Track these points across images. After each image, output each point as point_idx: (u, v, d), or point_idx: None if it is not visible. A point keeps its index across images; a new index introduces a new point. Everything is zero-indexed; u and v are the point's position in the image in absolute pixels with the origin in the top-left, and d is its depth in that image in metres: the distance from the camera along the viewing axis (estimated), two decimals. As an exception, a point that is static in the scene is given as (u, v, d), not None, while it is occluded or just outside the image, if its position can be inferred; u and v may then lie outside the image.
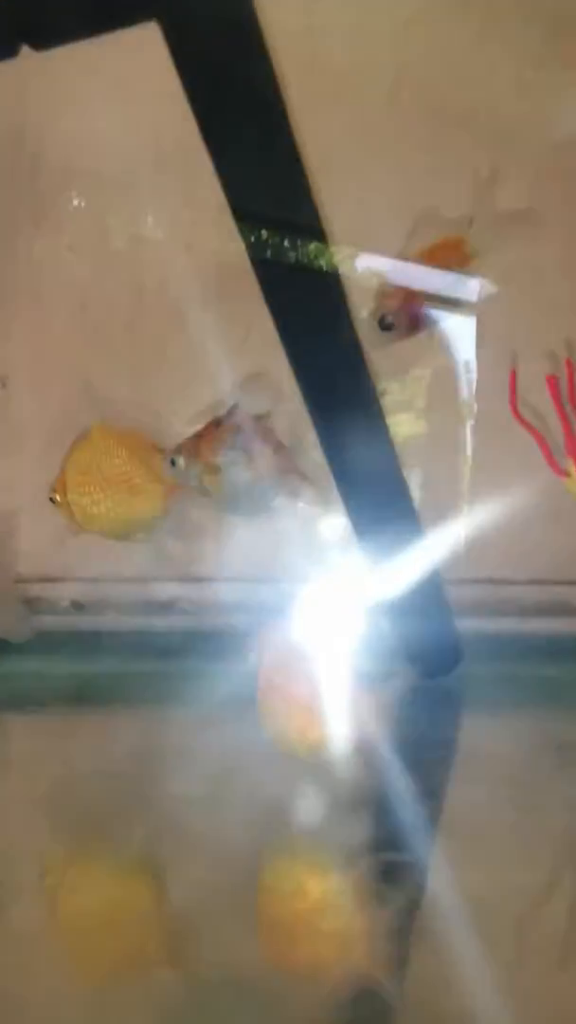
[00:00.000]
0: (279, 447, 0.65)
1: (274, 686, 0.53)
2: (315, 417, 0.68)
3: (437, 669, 0.80)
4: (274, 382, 0.69)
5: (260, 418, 0.66)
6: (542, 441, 0.61)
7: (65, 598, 0.96)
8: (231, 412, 0.65)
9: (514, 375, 0.64)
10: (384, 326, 0.68)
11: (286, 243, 0.60)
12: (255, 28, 0.55)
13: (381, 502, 0.73)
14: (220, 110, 0.57)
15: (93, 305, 0.86)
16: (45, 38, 0.57)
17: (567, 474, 0.62)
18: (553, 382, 0.61)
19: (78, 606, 0.98)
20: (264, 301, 0.63)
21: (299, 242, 0.60)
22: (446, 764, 0.63)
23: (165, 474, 0.67)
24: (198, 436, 0.66)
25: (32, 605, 0.96)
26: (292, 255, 0.60)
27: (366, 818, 0.52)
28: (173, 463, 0.67)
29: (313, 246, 0.61)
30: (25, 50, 0.60)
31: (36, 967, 0.41)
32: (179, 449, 0.66)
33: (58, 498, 0.72)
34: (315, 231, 0.61)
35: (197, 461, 0.66)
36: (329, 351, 0.65)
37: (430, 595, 0.79)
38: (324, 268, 0.61)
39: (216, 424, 0.66)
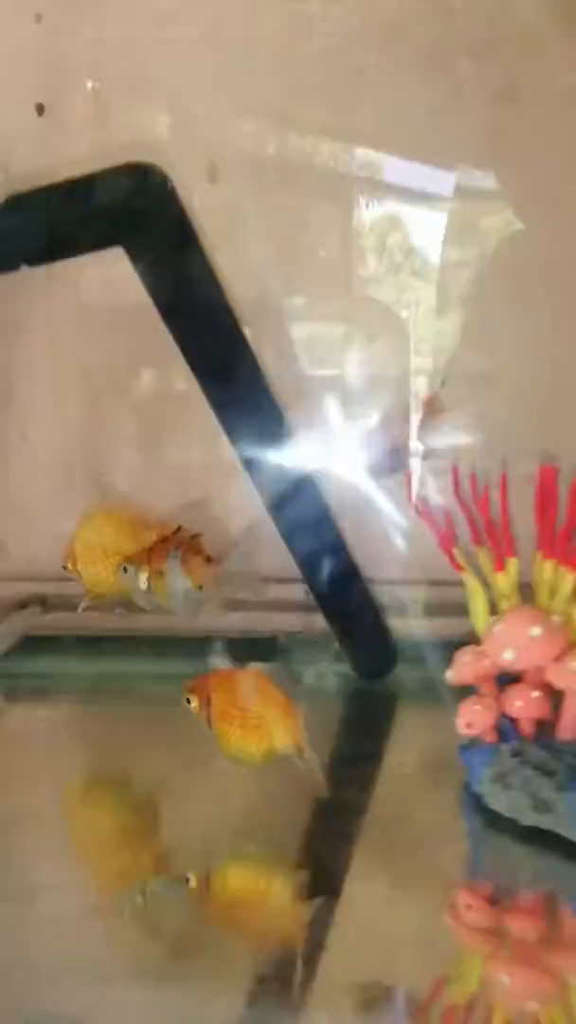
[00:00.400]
0: (210, 560, 0.80)
1: (224, 712, 0.67)
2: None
3: (374, 671, 0.96)
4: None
5: (195, 537, 0.81)
6: (441, 533, 0.74)
7: (81, 596, 1.15)
8: (176, 532, 0.81)
9: (409, 477, 0.79)
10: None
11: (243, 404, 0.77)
12: (198, 247, 0.72)
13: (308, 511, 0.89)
14: (179, 311, 0.73)
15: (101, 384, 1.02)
16: (38, 260, 0.72)
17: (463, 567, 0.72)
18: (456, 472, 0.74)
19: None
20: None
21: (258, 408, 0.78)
22: (377, 767, 0.78)
23: (120, 579, 0.82)
24: (149, 550, 0.81)
25: (50, 603, 1.08)
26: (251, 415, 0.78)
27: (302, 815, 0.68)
28: (125, 570, 0.82)
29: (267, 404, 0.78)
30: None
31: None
32: (131, 558, 0.82)
33: (69, 566, 0.88)
34: (262, 391, 0.78)
35: (145, 569, 0.81)
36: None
37: (362, 600, 0.93)
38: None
39: (163, 540, 0.81)
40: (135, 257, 0.73)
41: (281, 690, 0.65)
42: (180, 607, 0.81)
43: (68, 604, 1.09)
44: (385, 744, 0.85)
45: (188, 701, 0.68)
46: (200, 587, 0.80)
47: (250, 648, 0.97)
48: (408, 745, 0.82)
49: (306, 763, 0.64)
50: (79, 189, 0.74)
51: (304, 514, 0.87)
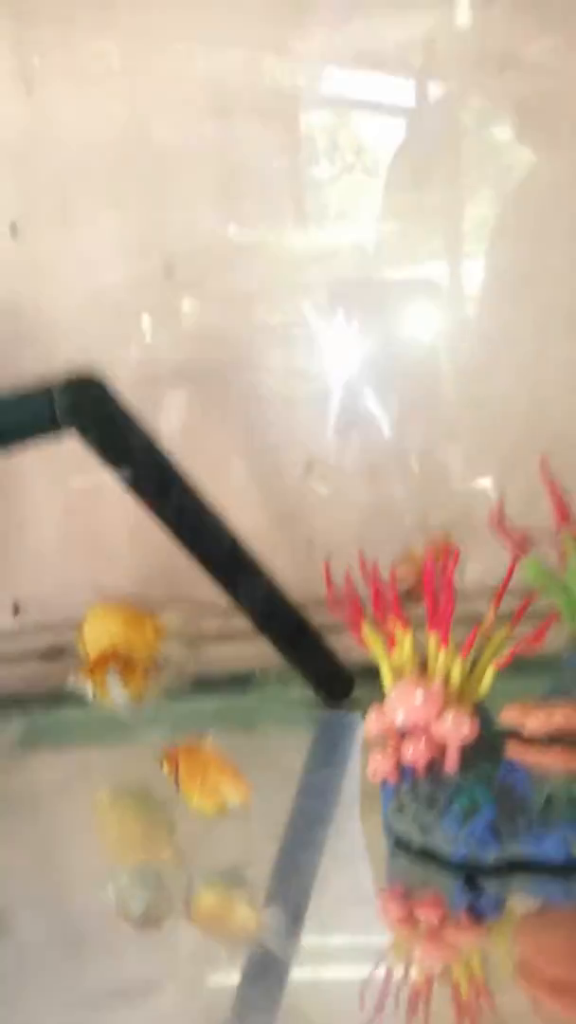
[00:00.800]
0: (146, 674, 1.00)
1: (188, 777, 0.86)
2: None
3: (333, 696, 1.14)
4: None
5: (130, 656, 1.00)
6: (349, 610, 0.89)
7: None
8: (112, 652, 1.01)
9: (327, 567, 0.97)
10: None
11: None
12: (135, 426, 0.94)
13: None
14: (127, 465, 0.95)
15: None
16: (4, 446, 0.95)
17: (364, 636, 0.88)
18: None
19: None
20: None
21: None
22: (328, 794, 0.98)
23: (70, 685, 1.02)
24: (92, 665, 1.01)
25: (63, 650, 1.25)
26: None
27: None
28: (75, 683, 1.02)
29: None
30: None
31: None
32: (78, 675, 1.01)
33: (82, 650, 1.06)
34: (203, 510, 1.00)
35: (91, 681, 1.01)
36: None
37: (300, 629, 1.10)
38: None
39: (103, 659, 1.01)
40: (87, 437, 0.96)
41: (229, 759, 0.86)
42: (124, 714, 1.01)
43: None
44: (337, 770, 1.04)
45: (163, 766, 0.89)
46: (138, 698, 1.00)
47: (231, 683, 1.19)
48: (357, 772, 1.01)
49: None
50: (36, 393, 0.96)
51: (223, 552, 1.06)
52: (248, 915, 0.81)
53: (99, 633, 1.05)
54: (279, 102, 1.23)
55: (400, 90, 1.21)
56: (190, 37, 1.22)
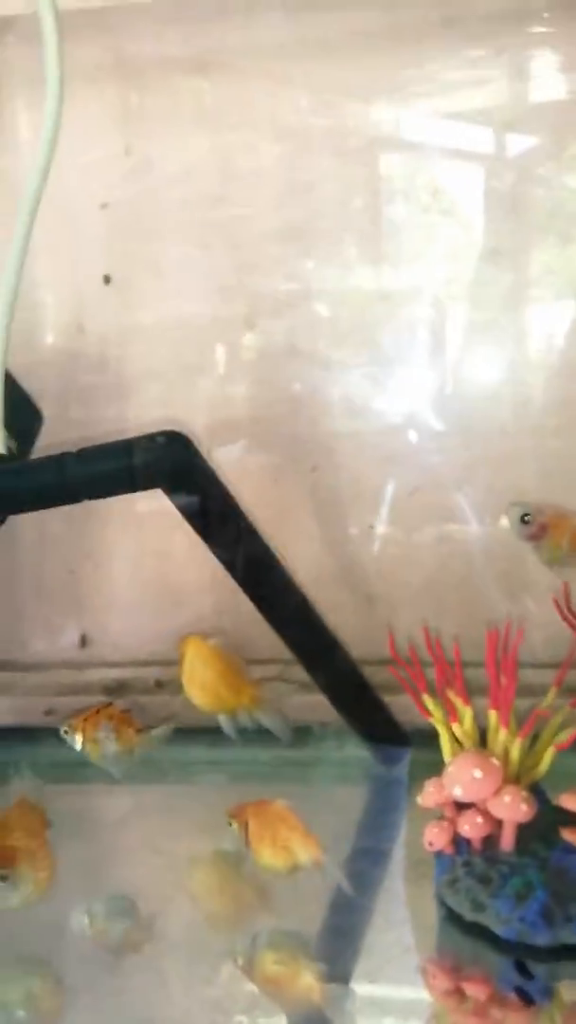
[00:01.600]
0: (137, 730, 1.02)
1: (258, 835, 0.88)
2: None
3: (388, 756, 1.15)
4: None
5: (126, 711, 1.03)
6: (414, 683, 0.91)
7: (151, 678, 1.32)
8: (107, 705, 1.03)
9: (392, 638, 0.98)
10: (524, 521, 0.95)
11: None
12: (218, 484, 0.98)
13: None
14: (207, 521, 0.98)
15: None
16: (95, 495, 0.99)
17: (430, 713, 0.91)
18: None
19: (160, 684, 1.32)
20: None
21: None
22: (380, 860, 0.98)
23: (62, 734, 1.03)
24: (85, 717, 1.02)
25: (125, 685, 1.32)
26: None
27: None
28: (65, 732, 1.03)
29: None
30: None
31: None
32: (70, 725, 1.03)
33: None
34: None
35: (82, 735, 1.02)
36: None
37: (359, 688, 1.12)
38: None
39: (97, 711, 1.03)
40: (174, 494, 1.00)
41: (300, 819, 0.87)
42: (112, 768, 1.03)
43: (143, 687, 1.33)
44: (389, 834, 1.04)
45: (231, 824, 0.90)
46: (130, 752, 1.02)
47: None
48: (410, 836, 1.01)
49: (325, 874, 0.86)
50: (128, 448, 1.00)
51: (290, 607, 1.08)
52: (306, 980, 0.82)
53: (193, 677, 1.05)
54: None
55: (479, 135, 1.23)
56: (278, 82, 1.24)
